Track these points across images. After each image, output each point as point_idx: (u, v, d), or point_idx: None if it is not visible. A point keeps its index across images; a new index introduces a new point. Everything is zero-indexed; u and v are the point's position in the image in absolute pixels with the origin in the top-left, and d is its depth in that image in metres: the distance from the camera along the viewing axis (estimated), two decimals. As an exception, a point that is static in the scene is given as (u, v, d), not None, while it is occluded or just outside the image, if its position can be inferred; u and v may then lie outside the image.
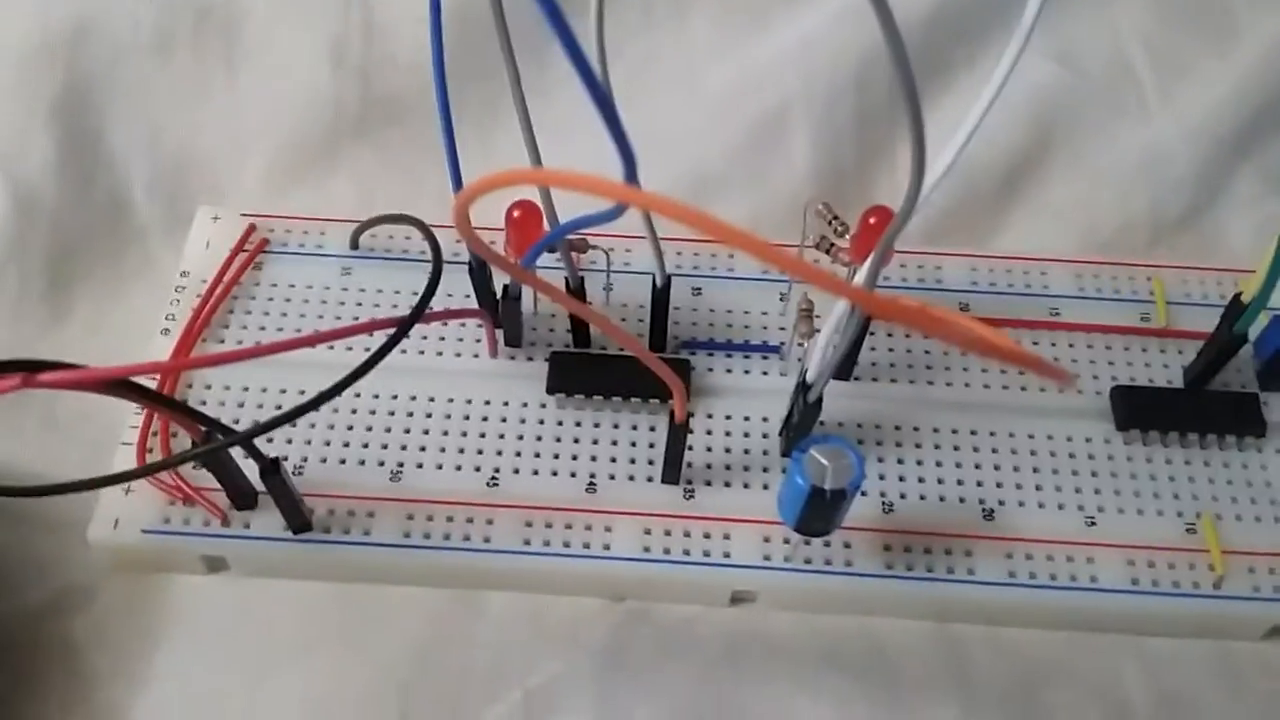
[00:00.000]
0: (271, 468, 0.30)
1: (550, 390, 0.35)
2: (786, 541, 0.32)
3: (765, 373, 0.36)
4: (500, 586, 0.33)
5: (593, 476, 0.34)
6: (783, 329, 0.37)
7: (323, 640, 0.32)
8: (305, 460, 0.33)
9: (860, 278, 0.29)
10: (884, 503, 0.33)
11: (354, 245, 0.38)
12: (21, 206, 0.39)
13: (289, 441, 0.34)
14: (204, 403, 0.34)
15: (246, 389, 0.35)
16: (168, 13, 0.43)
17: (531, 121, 0.29)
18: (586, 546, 0.32)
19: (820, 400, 0.32)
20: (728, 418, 0.35)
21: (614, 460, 0.34)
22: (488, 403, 0.35)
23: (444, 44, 0.27)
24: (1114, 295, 0.38)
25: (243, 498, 0.32)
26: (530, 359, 0.36)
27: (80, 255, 0.39)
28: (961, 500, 0.34)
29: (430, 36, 0.27)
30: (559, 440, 0.34)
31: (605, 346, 0.36)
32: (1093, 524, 0.33)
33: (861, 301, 0.28)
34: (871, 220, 0.33)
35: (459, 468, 0.34)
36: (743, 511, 0.33)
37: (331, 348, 0.35)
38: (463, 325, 0.36)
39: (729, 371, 0.36)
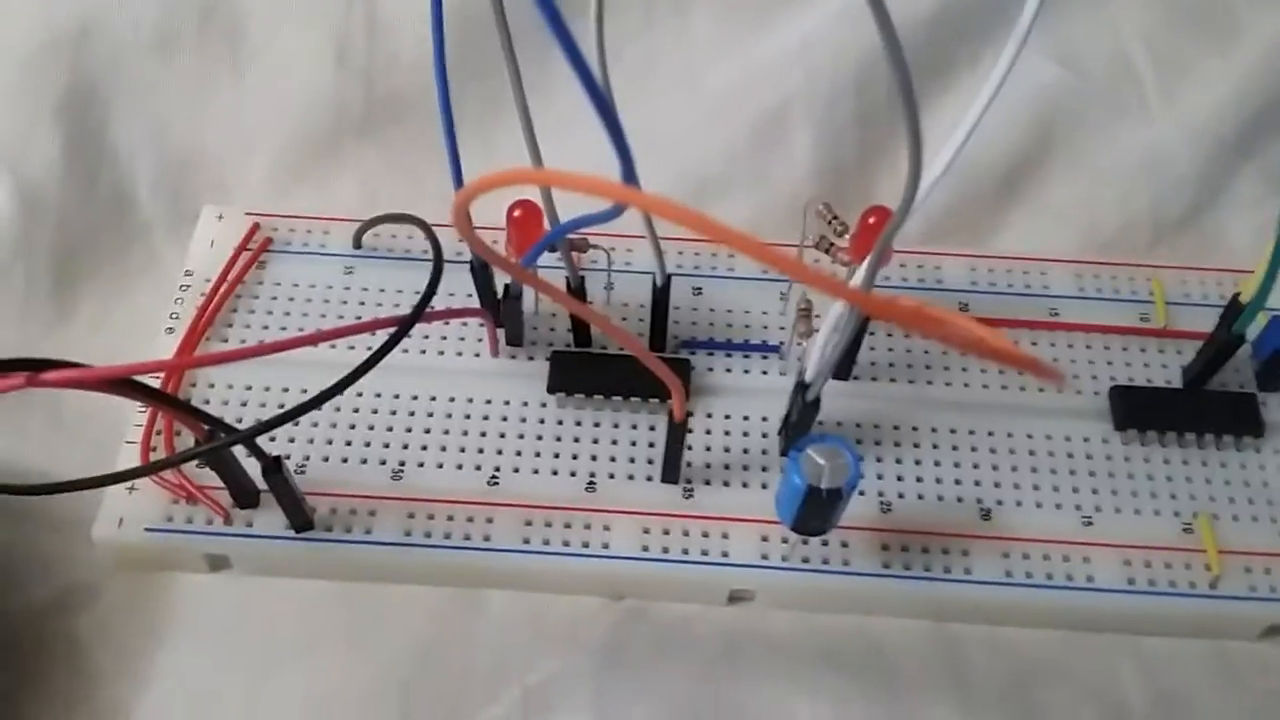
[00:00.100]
0: (273, 466, 0.30)
1: (551, 389, 0.35)
2: (784, 541, 0.33)
3: (765, 372, 0.36)
4: (500, 585, 0.33)
5: (593, 475, 0.34)
6: (783, 329, 0.37)
7: (324, 638, 0.32)
8: (308, 459, 0.34)
9: (858, 278, 0.29)
10: (882, 502, 0.34)
11: (356, 244, 0.38)
12: (27, 205, 0.39)
13: (291, 440, 0.34)
14: (207, 401, 0.35)
15: (250, 388, 0.35)
16: (172, 12, 0.43)
17: (533, 120, 0.29)
18: (586, 545, 0.33)
19: (818, 400, 0.32)
20: (727, 417, 0.35)
21: (614, 459, 0.34)
22: (489, 402, 0.35)
23: (446, 42, 0.27)
24: (1113, 295, 0.38)
25: (245, 496, 0.32)
26: (531, 358, 0.36)
27: (85, 254, 0.39)
28: (959, 500, 0.34)
29: (432, 35, 0.27)
30: (559, 439, 0.34)
31: (606, 346, 0.36)
32: (1090, 524, 0.33)
33: (857, 302, 0.28)
34: (870, 220, 0.33)
35: (460, 467, 0.34)
36: (741, 511, 0.33)
37: (334, 347, 0.35)
38: (464, 325, 0.36)
39: (729, 371, 0.36)
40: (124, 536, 0.32)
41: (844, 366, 0.35)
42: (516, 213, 0.33)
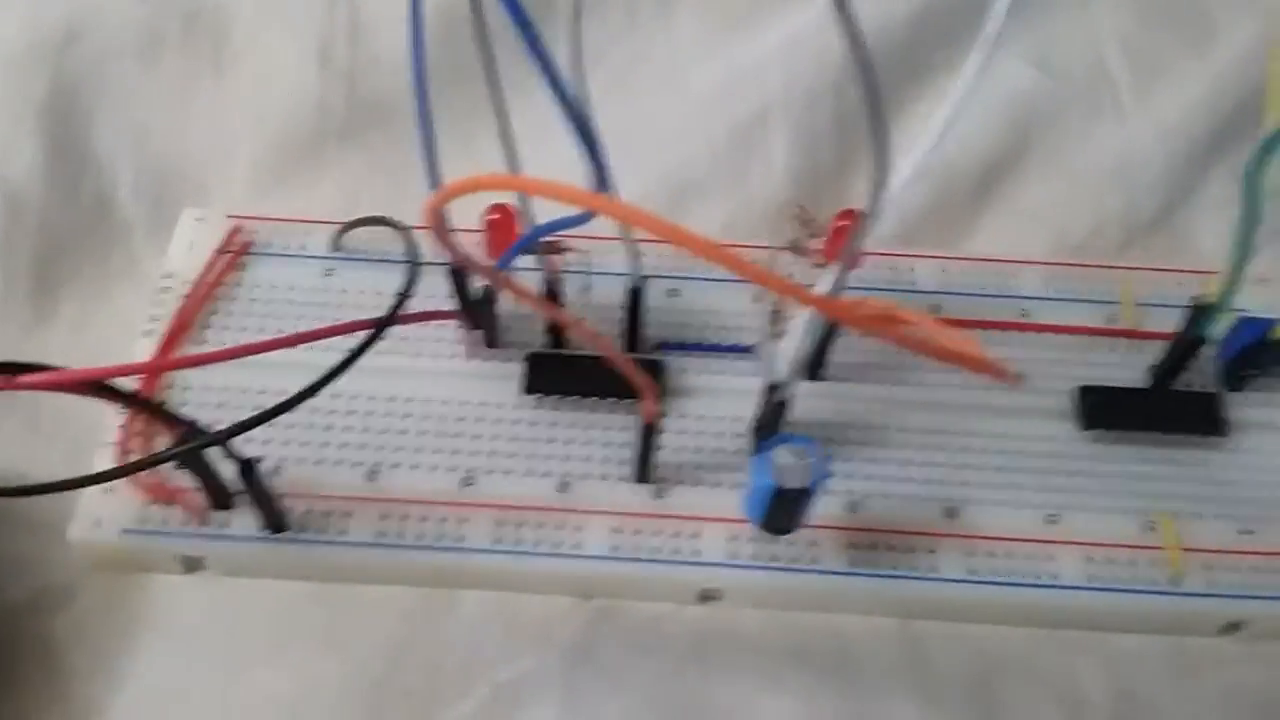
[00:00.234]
0: (247, 468, 0.30)
1: (527, 391, 0.35)
2: (753, 539, 0.33)
3: (740, 373, 0.36)
4: (473, 585, 0.33)
5: (566, 476, 0.34)
6: (758, 330, 0.37)
7: (298, 638, 0.33)
8: (284, 460, 0.34)
9: (826, 282, 0.29)
10: (850, 501, 0.34)
11: (336, 247, 0.38)
12: (8, 207, 0.39)
13: (267, 441, 0.34)
14: (185, 403, 0.35)
15: (228, 389, 0.35)
16: (156, 15, 0.44)
17: (517, 121, 0.29)
18: (558, 546, 0.33)
19: (787, 400, 0.32)
20: (701, 417, 0.36)
21: (588, 460, 0.35)
22: (464, 403, 0.35)
23: (428, 45, 0.28)
24: (1084, 296, 0.38)
25: (221, 498, 0.32)
26: (508, 359, 0.36)
27: (66, 256, 0.39)
28: (926, 498, 0.34)
29: (410, 39, 0.28)
30: (534, 440, 0.35)
31: (582, 347, 0.37)
32: (1054, 522, 0.34)
33: (816, 306, 0.29)
34: (842, 224, 0.33)
35: (435, 468, 0.34)
36: (712, 510, 0.34)
37: (312, 348, 0.35)
38: (441, 326, 0.37)
39: (704, 372, 0.36)
40: (100, 538, 0.33)
41: (815, 367, 0.36)
42: (492, 216, 0.33)
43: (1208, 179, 0.42)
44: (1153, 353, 0.36)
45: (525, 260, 0.32)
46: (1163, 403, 0.36)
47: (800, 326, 0.31)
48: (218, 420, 0.34)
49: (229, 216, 0.39)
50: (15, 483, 0.27)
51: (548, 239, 0.33)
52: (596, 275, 0.37)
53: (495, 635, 0.33)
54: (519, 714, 0.31)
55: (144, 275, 0.39)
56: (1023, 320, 0.38)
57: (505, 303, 0.36)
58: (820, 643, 0.33)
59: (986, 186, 0.42)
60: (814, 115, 0.42)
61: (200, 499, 0.33)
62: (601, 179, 0.26)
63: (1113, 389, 0.36)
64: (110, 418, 0.34)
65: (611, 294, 0.36)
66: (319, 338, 0.31)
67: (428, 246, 0.33)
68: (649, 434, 0.32)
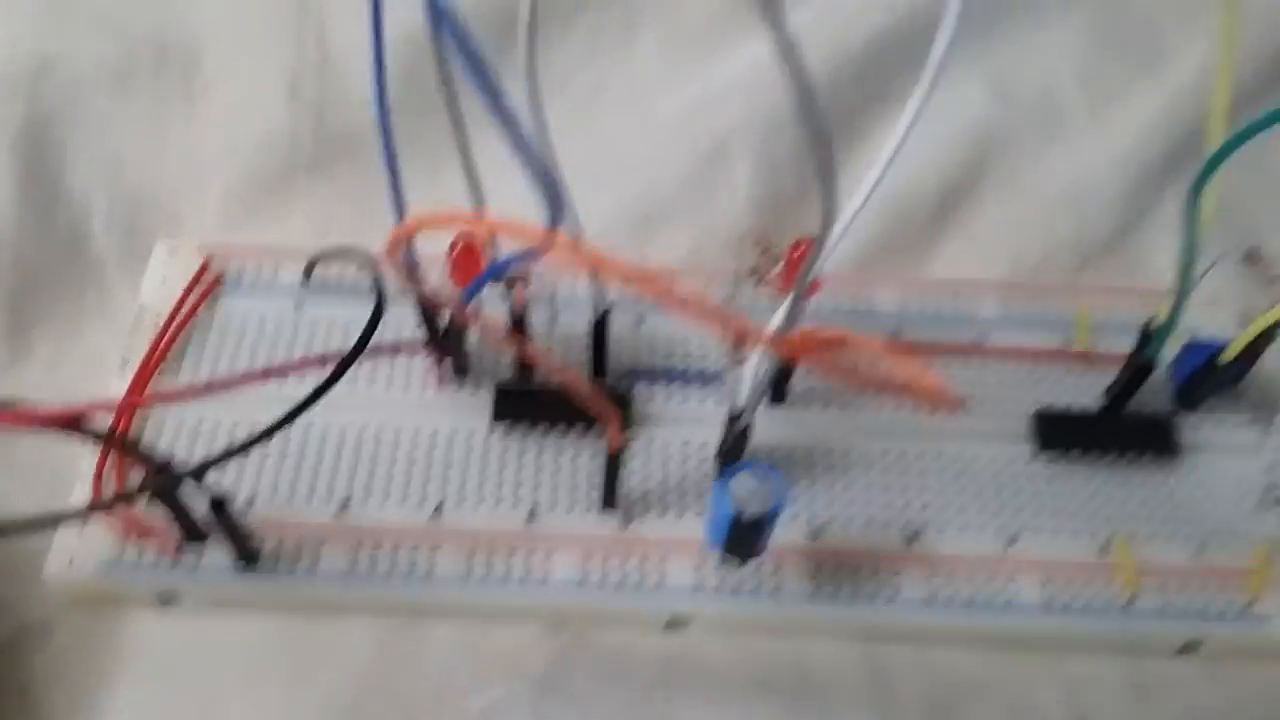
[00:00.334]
0: (218, 503, 0.31)
1: (495, 420, 0.36)
2: (718, 567, 0.34)
3: (706, 401, 0.37)
4: (443, 616, 0.34)
5: (535, 505, 0.35)
6: (722, 357, 0.38)
7: (272, 671, 0.33)
8: (256, 493, 0.35)
9: (778, 316, 0.30)
10: (812, 527, 0.35)
11: (306, 278, 0.39)
12: (-19, 242, 0.39)
13: (239, 474, 0.35)
14: (161, 435, 0.35)
15: (202, 421, 0.36)
16: (128, 48, 0.44)
17: (478, 153, 0.29)
18: (526, 575, 0.34)
19: (749, 427, 0.33)
20: (668, 445, 0.36)
21: (556, 489, 0.35)
22: (434, 434, 0.36)
23: (394, 76, 0.28)
24: (1040, 320, 0.39)
25: (194, 532, 0.33)
26: (478, 388, 0.37)
27: (41, 293, 0.40)
28: (887, 523, 0.35)
29: (372, 73, 0.28)
30: (503, 470, 0.35)
31: (550, 377, 0.37)
32: (1013, 545, 0.34)
33: (763, 343, 0.29)
34: (797, 254, 0.34)
35: (405, 499, 0.35)
36: (678, 538, 0.34)
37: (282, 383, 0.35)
38: (410, 356, 0.37)
39: (670, 399, 0.37)
40: (75, 574, 0.33)
41: (778, 393, 0.37)
42: (457, 249, 0.34)
43: (1162, 200, 0.43)
44: (1109, 375, 0.37)
45: (497, 287, 0.33)
46: (1116, 426, 0.36)
47: (758, 356, 0.32)
48: (191, 452, 0.35)
49: (200, 248, 0.39)
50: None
51: (512, 272, 0.34)
52: (564, 304, 0.37)
53: (466, 665, 0.33)
54: (489, 743, 0.32)
55: (118, 309, 0.39)
56: (979, 344, 0.38)
57: (474, 332, 0.36)
58: (785, 668, 0.33)
59: (944, 212, 0.43)
60: (776, 143, 0.43)
61: (174, 534, 0.33)
62: (555, 216, 0.26)
63: (1067, 415, 0.37)
64: (86, 452, 0.34)
65: (579, 322, 0.37)
66: (285, 374, 0.31)
67: (395, 278, 0.34)
68: (614, 463, 0.33)
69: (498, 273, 0.32)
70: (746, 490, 0.30)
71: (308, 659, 0.33)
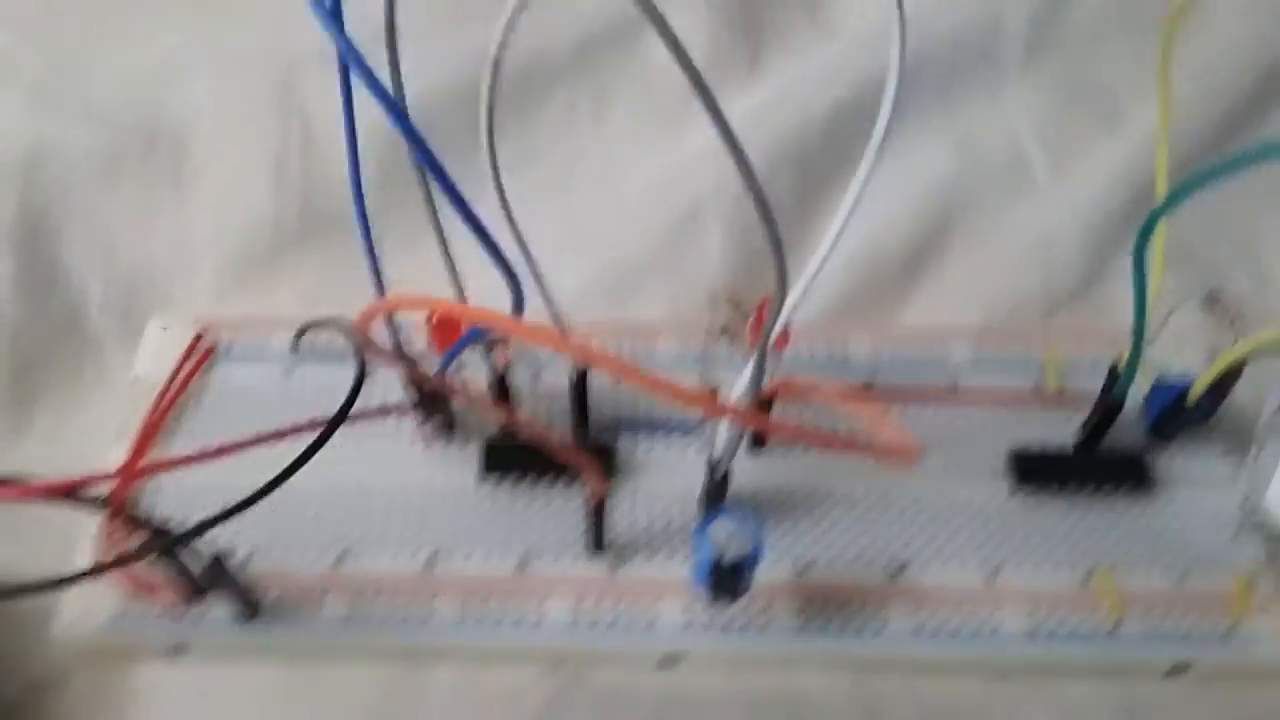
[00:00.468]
0: (215, 562, 0.32)
1: (484, 473, 0.37)
2: (708, 606, 0.35)
3: (687, 449, 0.38)
4: (442, 661, 0.34)
5: (526, 553, 0.36)
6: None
7: (280, 717, 0.34)
8: (256, 549, 0.35)
9: (746, 371, 0.31)
10: (799, 565, 0.35)
11: (294, 348, 0.40)
12: (-19, 325, 0.41)
13: (238, 532, 0.35)
14: (160, 499, 0.36)
15: (200, 485, 0.36)
16: (118, 136, 0.46)
17: (454, 229, 0.31)
18: (521, 620, 0.34)
19: (729, 474, 0.34)
20: (653, 492, 0.37)
21: (546, 537, 0.36)
22: (426, 488, 0.37)
23: (375, 151, 0.30)
24: (1011, 363, 0.40)
25: (196, 589, 0.34)
26: (466, 444, 0.38)
27: (39, 370, 0.41)
28: (871, 560, 0.36)
29: (347, 154, 0.30)
30: (494, 521, 0.36)
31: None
32: (996, 576, 0.35)
33: (729, 415, 0.31)
34: (763, 312, 0.35)
35: (400, 552, 0.36)
36: (668, 579, 0.35)
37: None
38: (399, 419, 0.38)
39: (653, 448, 0.38)
40: (83, 631, 0.34)
41: (758, 439, 0.38)
42: (434, 318, 0.35)
43: (1124, 250, 0.44)
44: (1082, 412, 0.38)
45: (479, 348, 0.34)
46: (1090, 463, 0.37)
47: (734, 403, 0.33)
48: (189, 514, 0.36)
49: (192, 323, 0.40)
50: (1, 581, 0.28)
51: (490, 337, 0.35)
52: (546, 360, 0.39)
53: (467, 706, 0.34)
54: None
55: (115, 383, 0.40)
56: (954, 390, 0.39)
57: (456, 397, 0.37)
58: (778, 702, 0.34)
59: (914, 267, 0.44)
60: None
61: (177, 590, 0.34)
62: (519, 302, 0.29)
63: (1042, 455, 0.38)
64: (89, 517, 0.35)
65: (562, 379, 0.38)
66: (275, 440, 0.32)
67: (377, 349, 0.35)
68: (598, 511, 0.34)
69: (473, 340, 0.34)
70: (725, 535, 0.31)
71: (314, 704, 0.34)
